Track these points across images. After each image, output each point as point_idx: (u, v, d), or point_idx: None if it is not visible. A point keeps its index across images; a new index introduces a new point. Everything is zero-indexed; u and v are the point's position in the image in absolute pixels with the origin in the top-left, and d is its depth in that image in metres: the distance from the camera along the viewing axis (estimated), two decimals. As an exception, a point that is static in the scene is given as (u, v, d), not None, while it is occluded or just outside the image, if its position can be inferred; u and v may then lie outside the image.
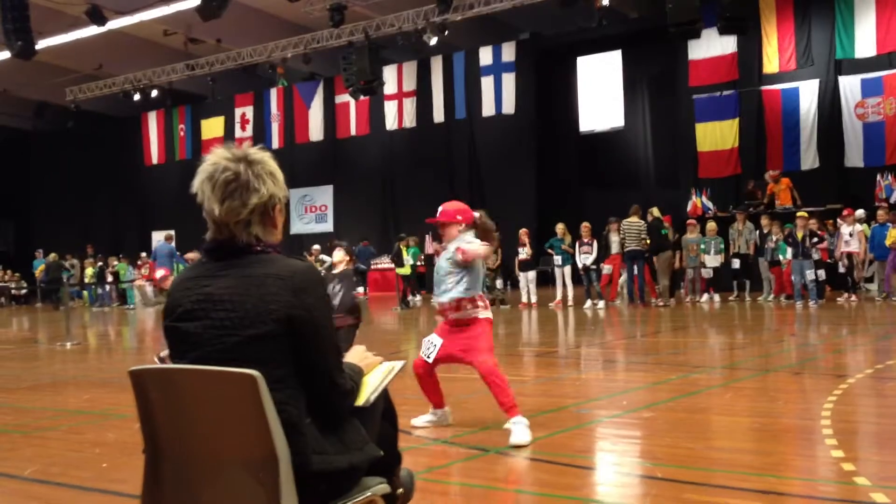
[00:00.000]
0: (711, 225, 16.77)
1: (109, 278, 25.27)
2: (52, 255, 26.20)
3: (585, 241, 16.45)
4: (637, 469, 4.55)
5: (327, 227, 26.93)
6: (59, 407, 7.41)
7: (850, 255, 15.45)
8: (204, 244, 2.42)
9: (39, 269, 27.79)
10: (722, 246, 16.47)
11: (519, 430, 4.94)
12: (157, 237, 29.23)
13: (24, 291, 29.68)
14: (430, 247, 21.97)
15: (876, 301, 15.11)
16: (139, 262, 25.48)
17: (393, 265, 19.91)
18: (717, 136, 20.73)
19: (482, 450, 4.95)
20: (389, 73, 25.02)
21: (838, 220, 15.92)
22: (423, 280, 21.55)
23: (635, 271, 16.11)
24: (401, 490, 2.77)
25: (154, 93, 26.65)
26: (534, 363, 9.28)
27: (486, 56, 24.00)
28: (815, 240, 15.00)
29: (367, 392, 2.57)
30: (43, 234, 31.61)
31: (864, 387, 6.67)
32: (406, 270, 19.37)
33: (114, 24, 20.88)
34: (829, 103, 19.33)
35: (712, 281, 16.54)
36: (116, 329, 17.61)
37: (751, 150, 20.23)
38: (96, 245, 27.44)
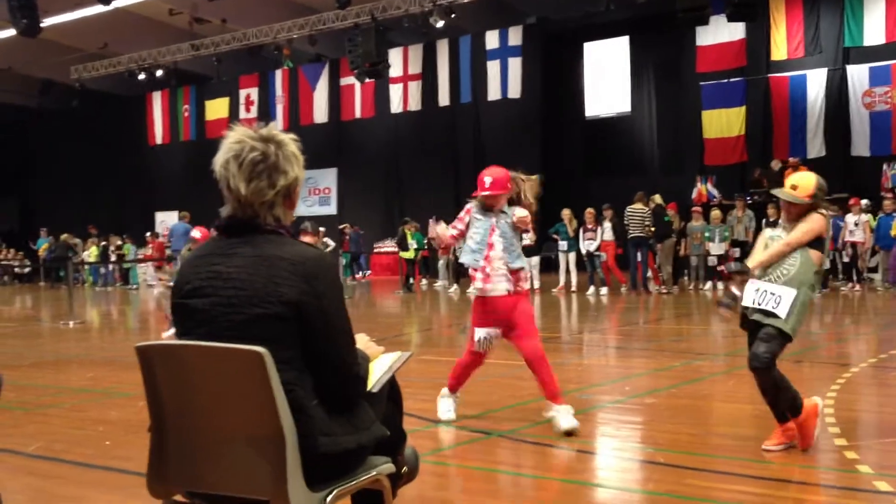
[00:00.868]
0: (716, 213, 16.64)
1: (113, 258, 25.28)
2: (65, 236, 26.07)
3: (590, 227, 16.40)
4: (639, 454, 4.56)
5: (331, 210, 26.87)
6: (61, 385, 7.43)
7: (854, 245, 15.41)
8: (218, 220, 2.42)
9: (43, 247, 27.80)
10: (727, 234, 16.41)
11: (566, 417, 4.85)
12: (161, 217, 29.31)
13: (27, 270, 29.72)
14: (431, 231, 21.88)
15: (879, 290, 15.09)
16: (147, 240, 25.33)
17: (397, 249, 19.92)
18: (723, 124, 20.64)
19: (484, 433, 4.97)
20: (395, 56, 24.88)
21: (848, 206, 15.73)
22: (427, 264, 21.52)
23: (639, 258, 16.07)
24: (405, 469, 2.77)
25: (159, 72, 26.57)
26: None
27: (492, 40, 23.86)
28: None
29: (374, 379, 2.58)
30: (46, 212, 31.59)
31: (867, 376, 6.68)
32: (410, 254, 19.36)
33: (119, 2, 20.78)
34: (837, 91, 19.24)
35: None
36: (119, 308, 17.65)
37: (757, 138, 20.16)
38: (99, 224, 27.41)
